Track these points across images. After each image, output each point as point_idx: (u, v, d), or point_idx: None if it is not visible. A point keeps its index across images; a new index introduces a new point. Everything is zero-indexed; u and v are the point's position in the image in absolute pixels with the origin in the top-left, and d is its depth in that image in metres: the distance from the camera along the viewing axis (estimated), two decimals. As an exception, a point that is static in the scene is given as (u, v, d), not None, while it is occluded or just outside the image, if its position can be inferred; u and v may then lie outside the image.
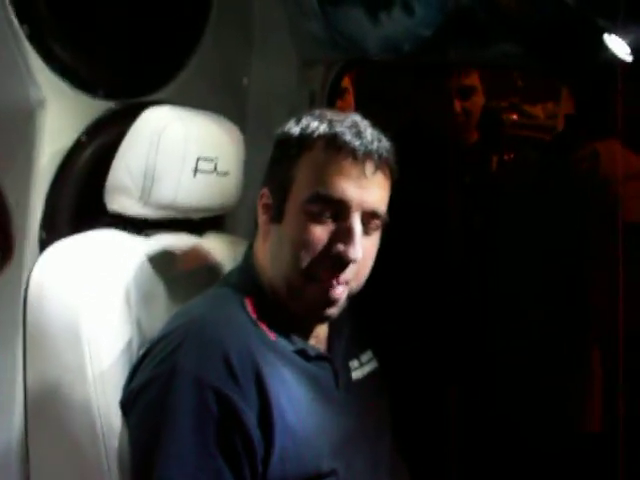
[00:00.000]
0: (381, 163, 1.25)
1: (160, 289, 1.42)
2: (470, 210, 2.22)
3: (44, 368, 1.32)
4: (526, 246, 2.06)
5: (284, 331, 1.26)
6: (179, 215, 1.50)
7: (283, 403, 1.18)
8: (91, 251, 1.39)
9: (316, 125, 1.26)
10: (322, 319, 1.28)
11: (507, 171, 2.61)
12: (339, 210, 1.22)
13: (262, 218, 1.31)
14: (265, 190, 1.31)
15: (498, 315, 2.06)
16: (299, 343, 1.27)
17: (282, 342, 1.25)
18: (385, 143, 1.27)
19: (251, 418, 1.14)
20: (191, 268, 1.50)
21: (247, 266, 1.33)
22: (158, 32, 1.63)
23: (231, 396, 1.14)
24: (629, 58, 1.16)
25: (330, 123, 1.26)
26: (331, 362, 1.31)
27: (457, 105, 2.23)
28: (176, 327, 1.23)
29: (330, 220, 1.22)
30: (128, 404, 1.22)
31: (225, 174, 1.50)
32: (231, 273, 1.38)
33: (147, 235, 1.48)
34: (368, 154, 1.23)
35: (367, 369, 1.41)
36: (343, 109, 2.37)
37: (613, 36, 1.14)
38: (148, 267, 1.41)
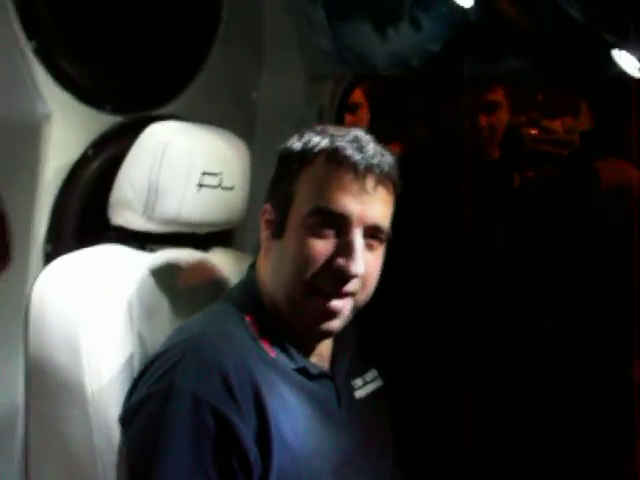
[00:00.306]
0: (383, 178, 1.23)
1: (163, 304, 1.42)
2: (489, 226, 2.20)
3: (44, 381, 1.32)
4: (546, 262, 2.04)
5: (285, 348, 1.25)
6: (183, 230, 1.49)
7: (282, 421, 1.16)
8: (93, 265, 1.38)
9: (317, 140, 1.25)
10: (324, 333, 1.26)
11: (527, 187, 2.58)
12: (340, 225, 1.21)
13: (264, 234, 1.30)
14: (267, 206, 1.30)
15: (514, 332, 2.03)
16: (300, 361, 1.25)
17: (283, 360, 1.24)
18: (388, 158, 1.26)
19: (248, 437, 1.13)
20: (195, 283, 1.49)
21: (249, 282, 1.32)
22: (166, 46, 1.64)
23: (229, 414, 1.12)
24: (639, 74, 1.14)
25: (331, 138, 1.25)
26: (333, 380, 1.29)
27: (482, 120, 2.21)
28: (175, 343, 1.22)
29: (331, 235, 1.21)
30: (126, 419, 1.21)
31: (230, 189, 1.49)
32: (233, 289, 1.36)
33: (151, 250, 1.47)
34: (369, 169, 1.22)
35: (371, 388, 1.39)
36: (355, 124, 2.37)
37: (623, 52, 1.12)
38: (151, 281, 1.40)
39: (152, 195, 1.38)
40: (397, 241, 1.32)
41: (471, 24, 1.37)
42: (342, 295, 1.22)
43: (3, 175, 1.39)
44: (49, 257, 1.45)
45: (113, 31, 1.53)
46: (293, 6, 1.74)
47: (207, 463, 1.11)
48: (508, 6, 1.35)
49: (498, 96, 2.27)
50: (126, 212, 1.42)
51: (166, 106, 1.64)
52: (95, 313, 1.31)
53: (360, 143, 1.24)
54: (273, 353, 1.23)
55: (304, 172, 1.25)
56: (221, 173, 1.46)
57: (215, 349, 1.18)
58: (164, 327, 1.36)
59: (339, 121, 1.85)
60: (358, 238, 1.21)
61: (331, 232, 1.21)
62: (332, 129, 1.29)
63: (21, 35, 1.37)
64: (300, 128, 1.30)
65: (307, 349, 1.29)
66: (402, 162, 2.21)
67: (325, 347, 1.33)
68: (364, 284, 1.24)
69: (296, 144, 1.27)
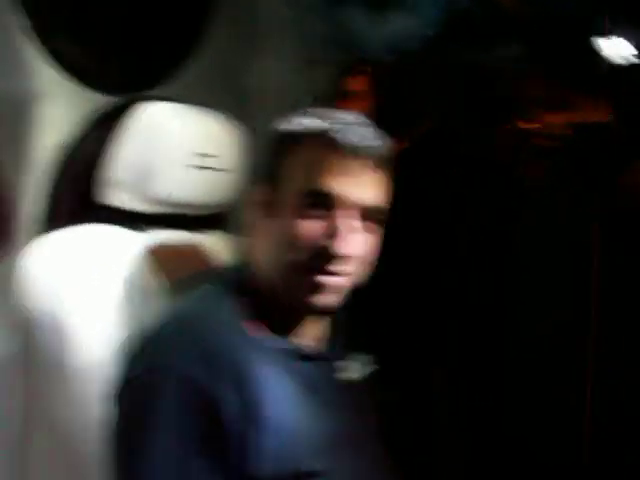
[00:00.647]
0: (375, 160, 1.23)
1: (152, 284, 1.41)
2: (488, 220, 2.20)
3: (29, 358, 1.32)
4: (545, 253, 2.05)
5: (273, 330, 1.25)
6: (176, 211, 1.49)
7: (267, 401, 1.16)
8: (82, 243, 1.38)
9: (309, 122, 1.25)
10: (321, 309, 1.25)
11: (528, 180, 2.59)
12: (331, 206, 1.20)
13: (254, 215, 1.30)
14: (257, 187, 1.30)
15: (510, 321, 2.04)
16: (288, 342, 1.25)
17: (270, 341, 1.24)
18: (380, 140, 1.26)
19: (234, 415, 1.12)
20: (186, 265, 1.49)
21: (239, 264, 1.32)
22: (159, 28, 1.64)
23: (214, 393, 1.12)
24: (623, 61, 1.14)
25: (323, 119, 1.25)
26: (323, 362, 1.30)
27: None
28: (163, 324, 1.22)
29: (323, 216, 1.21)
30: (114, 399, 1.21)
31: (223, 171, 1.49)
32: (223, 271, 1.36)
33: (142, 230, 1.47)
34: (362, 150, 1.22)
35: (362, 371, 1.40)
36: (358, 112, 2.35)
37: (608, 39, 1.12)
38: (141, 261, 1.40)
39: (144, 175, 1.38)
40: (396, 227, 1.33)
41: (465, 10, 1.37)
42: (333, 275, 1.22)
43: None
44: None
45: (106, 11, 1.53)
46: (287, -11, 1.75)
47: (197, 442, 1.11)
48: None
49: (362, 84, 2.25)
50: (117, 192, 1.41)
51: (159, 88, 1.64)
52: (83, 291, 1.31)
53: (352, 125, 1.24)
54: (261, 334, 1.23)
55: (296, 154, 1.24)
56: (214, 155, 1.46)
57: (202, 329, 1.18)
58: (155, 308, 1.36)
59: (334, 105, 1.85)
60: (348, 219, 1.21)
61: (322, 213, 1.21)
62: (323, 111, 1.29)
63: (15, 14, 1.36)
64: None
65: (297, 330, 1.29)
66: (408, 152, 2.22)
67: (316, 329, 1.32)
68: (358, 265, 1.24)
69: (288, 126, 1.27)
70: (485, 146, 2.15)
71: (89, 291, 1.31)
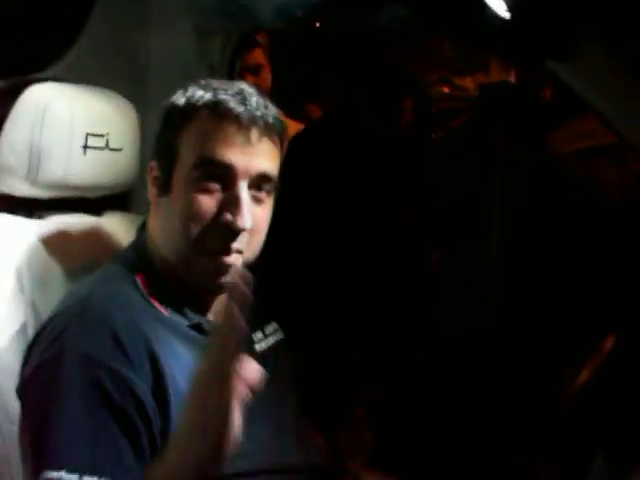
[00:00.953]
0: (267, 129, 1.23)
1: (56, 271, 1.39)
2: (399, 189, 2.22)
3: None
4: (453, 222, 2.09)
5: (178, 306, 1.24)
6: (72, 194, 1.46)
7: (177, 376, 1.16)
8: (-22, 235, 1.34)
9: (201, 94, 1.24)
10: (216, 289, 1.26)
11: (438, 147, 2.62)
12: (225, 178, 1.20)
13: (151, 191, 1.28)
14: (153, 163, 1.29)
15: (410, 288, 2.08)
16: (194, 317, 1.25)
17: (176, 317, 1.24)
18: (272, 109, 1.26)
19: (145, 391, 1.13)
20: (88, 248, 1.46)
21: (139, 242, 1.31)
22: (44, 8, 1.58)
23: (123, 371, 1.11)
24: (507, 15, 1.17)
25: (215, 91, 1.24)
26: None
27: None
28: (64, 308, 1.20)
29: (218, 189, 1.21)
30: (21, 389, 1.19)
31: (118, 150, 1.47)
32: (123, 250, 1.35)
33: (40, 217, 1.44)
34: (253, 120, 1.22)
35: (271, 340, 1.41)
36: (257, 86, 2.34)
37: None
38: (41, 249, 1.37)
39: (34, 159, 1.34)
40: (295, 198, 1.33)
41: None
42: (231, 251, 1.22)
43: None
44: None
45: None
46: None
47: (108, 422, 1.10)
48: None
49: (258, 57, 2.29)
50: (9, 178, 1.37)
51: (48, 69, 1.58)
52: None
53: (243, 95, 1.23)
54: (166, 311, 1.23)
55: (188, 126, 1.24)
56: (107, 134, 1.43)
57: (104, 309, 1.17)
58: (58, 294, 1.34)
59: (231, 78, 1.83)
60: (244, 191, 1.21)
61: (217, 186, 1.21)
62: (216, 83, 1.28)
63: None
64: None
65: (202, 306, 1.29)
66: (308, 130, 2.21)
67: (220, 303, 1.32)
68: (252, 237, 1.24)
69: (180, 99, 1.26)
70: (388, 115, 2.17)
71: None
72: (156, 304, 1.23)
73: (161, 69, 1.79)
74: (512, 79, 2.33)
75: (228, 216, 1.20)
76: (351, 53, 2.24)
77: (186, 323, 1.24)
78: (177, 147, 1.23)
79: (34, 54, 1.59)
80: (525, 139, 2.13)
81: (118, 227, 1.53)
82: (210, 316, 1.30)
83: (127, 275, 1.25)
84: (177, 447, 1.06)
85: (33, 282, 1.34)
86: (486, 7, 1.18)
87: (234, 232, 1.20)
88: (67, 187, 1.42)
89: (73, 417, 1.10)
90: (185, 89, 1.27)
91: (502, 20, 1.20)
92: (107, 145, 1.44)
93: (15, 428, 1.22)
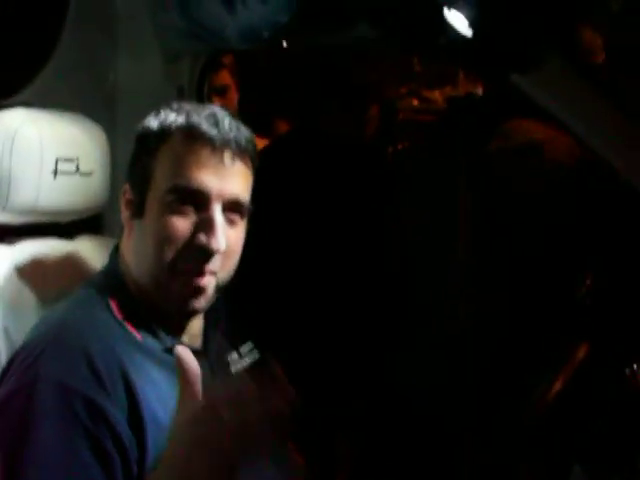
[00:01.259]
0: (240, 152, 1.24)
1: (28, 297, 1.37)
2: (363, 199, 2.23)
3: None
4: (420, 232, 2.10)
5: (152, 330, 1.24)
6: (44, 219, 1.46)
7: (153, 403, 1.16)
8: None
9: (174, 117, 1.25)
10: (190, 312, 1.27)
11: (402, 159, 2.64)
12: (199, 201, 1.21)
13: (124, 214, 1.29)
14: (127, 186, 1.29)
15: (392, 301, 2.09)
16: (168, 341, 1.25)
17: (150, 342, 1.23)
18: (244, 132, 1.27)
19: (120, 420, 1.12)
20: (61, 273, 1.45)
21: (112, 266, 1.31)
22: (12, 33, 1.58)
23: (98, 399, 1.11)
24: (469, 33, 1.19)
25: (187, 114, 1.25)
26: (206, 357, 1.30)
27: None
28: (37, 334, 1.20)
29: (191, 211, 1.21)
30: None
31: (89, 174, 1.47)
32: (96, 274, 1.35)
33: (11, 242, 1.43)
34: (226, 143, 1.22)
35: (247, 361, 1.41)
36: (224, 107, 2.35)
37: (453, 11, 1.16)
38: (13, 275, 1.36)
39: (4, 185, 1.34)
40: (263, 216, 1.34)
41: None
42: (205, 273, 1.23)
43: None
44: None
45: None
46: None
47: (80, 451, 1.09)
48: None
49: (224, 78, 2.31)
50: (-21, 205, 1.37)
51: (17, 95, 1.58)
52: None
53: (216, 118, 1.24)
54: (140, 336, 1.22)
55: (161, 150, 1.24)
56: (77, 159, 1.44)
57: (78, 335, 1.16)
58: (30, 320, 1.32)
59: (200, 99, 1.84)
60: (218, 213, 1.22)
61: (191, 209, 1.21)
62: (189, 106, 1.29)
63: None
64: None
65: (176, 329, 1.29)
66: (274, 145, 2.22)
67: (195, 325, 1.33)
68: (226, 259, 1.25)
69: (152, 122, 1.27)
70: (353, 124, 2.18)
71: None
72: (130, 328, 1.22)
73: (130, 92, 1.79)
74: (479, 92, 2.37)
75: (202, 238, 1.20)
76: (317, 68, 2.27)
77: (161, 347, 1.24)
78: (151, 170, 1.24)
79: (3, 80, 1.59)
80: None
81: (91, 251, 1.52)
82: (184, 339, 1.30)
83: (100, 300, 1.24)
84: None
85: (5, 308, 1.33)
86: (449, 25, 1.21)
87: (208, 254, 1.21)
88: (38, 212, 1.42)
89: (47, 445, 1.09)
90: (158, 112, 1.28)
91: (465, 37, 1.22)
92: (77, 169, 1.44)
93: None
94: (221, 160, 1.22)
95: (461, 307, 1.94)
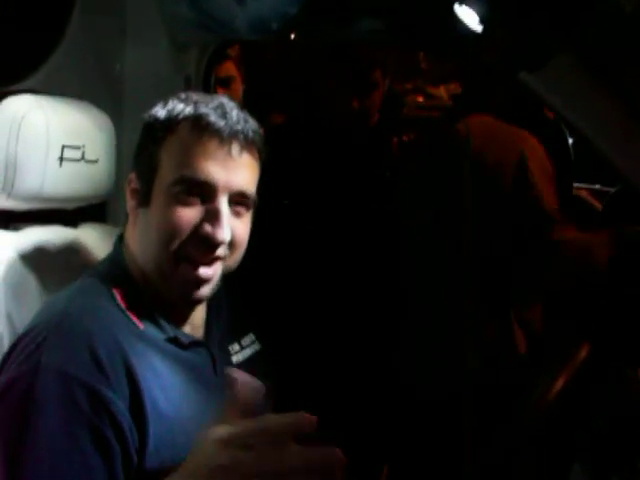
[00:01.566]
0: (247, 144, 1.25)
1: (32, 283, 1.38)
2: (366, 190, 2.23)
3: None
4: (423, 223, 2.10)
5: (155, 320, 1.24)
6: (49, 206, 1.46)
7: (155, 392, 1.16)
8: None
9: (182, 107, 1.25)
10: (194, 301, 1.27)
11: (405, 152, 2.64)
12: (205, 192, 1.21)
13: (130, 203, 1.29)
14: (133, 175, 1.29)
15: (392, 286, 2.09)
16: (171, 331, 1.25)
17: (153, 331, 1.23)
18: (252, 124, 1.27)
19: (122, 408, 1.12)
20: (64, 261, 1.46)
21: (116, 255, 1.31)
22: (21, 20, 1.58)
23: (99, 388, 1.11)
24: (479, 28, 1.19)
25: (195, 105, 1.25)
26: (207, 348, 1.30)
27: (355, 102, 2.18)
28: (40, 322, 1.19)
29: (197, 202, 1.21)
30: None
31: (94, 162, 1.47)
32: (100, 263, 1.35)
33: (16, 229, 1.43)
34: (234, 135, 1.22)
35: (248, 352, 1.41)
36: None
37: (463, 6, 1.16)
38: (17, 261, 1.36)
39: (10, 171, 1.34)
40: (269, 206, 1.34)
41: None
42: (210, 261, 1.23)
43: None
44: None
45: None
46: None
47: (82, 439, 1.09)
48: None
49: (230, 69, 2.29)
50: (-14, 191, 1.37)
51: (24, 81, 1.58)
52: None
53: (224, 109, 1.24)
54: (142, 325, 1.22)
55: (168, 140, 1.24)
56: (83, 146, 1.43)
57: (81, 324, 1.16)
58: (34, 306, 1.33)
59: (206, 90, 1.84)
60: (224, 205, 1.22)
61: (197, 199, 1.22)
62: (196, 96, 1.29)
63: None
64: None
65: (179, 319, 1.29)
66: (277, 131, 2.22)
67: (197, 316, 1.33)
68: (232, 250, 1.25)
69: (160, 112, 1.27)
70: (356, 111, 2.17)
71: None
72: (133, 318, 1.22)
73: (137, 81, 1.80)
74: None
75: (208, 228, 1.20)
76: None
77: (163, 337, 1.24)
78: (158, 160, 1.24)
79: (10, 66, 1.59)
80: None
81: (95, 239, 1.53)
82: (187, 329, 1.30)
83: (104, 288, 1.24)
84: None
85: (9, 294, 1.33)
86: (459, 21, 1.20)
87: (213, 244, 1.21)
88: (43, 199, 1.42)
89: (47, 433, 1.09)
90: (165, 102, 1.28)
91: (474, 33, 1.22)
92: (83, 157, 1.44)
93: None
94: (229, 152, 1.22)
95: (463, 300, 1.93)
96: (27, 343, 1.16)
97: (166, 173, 1.23)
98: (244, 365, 1.37)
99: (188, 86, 1.78)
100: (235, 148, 1.23)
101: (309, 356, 1.95)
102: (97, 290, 1.24)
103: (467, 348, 1.95)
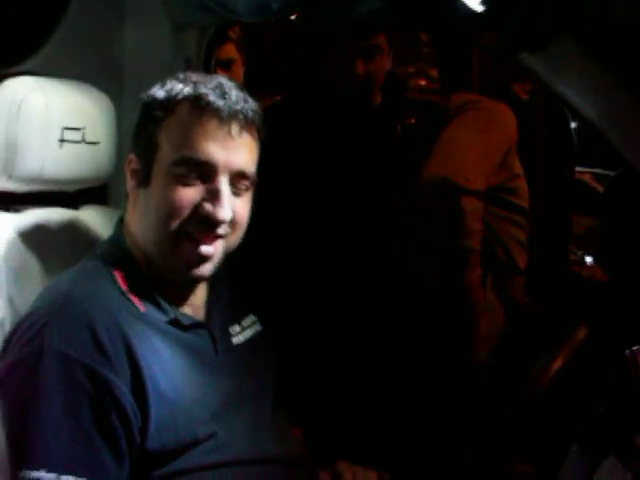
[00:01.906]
0: (247, 124, 1.25)
1: (33, 265, 1.38)
2: (369, 172, 2.22)
3: None
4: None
5: (156, 302, 1.25)
6: (49, 188, 1.45)
7: (156, 373, 1.17)
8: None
9: (180, 87, 1.25)
10: (196, 278, 1.27)
11: (408, 134, 2.63)
12: (206, 172, 1.22)
13: (130, 184, 1.29)
14: (132, 155, 1.29)
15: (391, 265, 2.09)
16: (172, 313, 1.26)
17: (154, 313, 1.24)
18: (251, 104, 1.27)
19: (123, 390, 1.13)
20: (66, 242, 1.46)
21: (117, 236, 1.31)
22: (20, 2, 1.57)
23: (101, 370, 1.12)
24: (480, 8, 1.18)
25: (195, 85, 1.25)
26: (208, 329, 1.31)
27: (360, 66, 2.18)
28: (42, 304, 1.20)
29: (198, 182, 1.22)
30: None
31: (95, 143, 1.47)
32: (101, 245, 1.35)
33: (17, 211, 1.43)
34: (233, 115, 1.22)
35: (249, 333, 1.42)
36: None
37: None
38: (18, 243, 1.36)
39: (10, 153, 1.34)
40: (270, 185, 1.34)
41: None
42: (211, 240, 1.23)
43: None
44: None
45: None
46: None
47: (84, 421, 1.11)
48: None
49: (232, 52, 2.27)
50: (-14, 173, 1.37)
51: (23, 63, 1.57)
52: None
53: (223, 89, 1.24)
54: (143, 307, 1.23)
55: (168, 120, 1.25)
56: (84, 128, 1.43)
57: (82, 306, 1.17)
58: (35, 289, 1.33)
59: (207, 72, 1.83)
60: (224, 184, 1.22)
61: (197, 179, 1.22)
62: (195, 76, 1.29)
63: None
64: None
65: (179, 300, 1.30)
66: (276, 110, 2.21)
67: (198, 297, 1.34)
68: (233, 229, 1.26)
69: (159, 92, 1.27)
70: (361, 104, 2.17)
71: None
72: (134, 300, 1.23)
73: (137, 62, 1.78)
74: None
75: (208, 207, 1.21)
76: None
77: (164, 319, 1.25)
78: (157, 140, 1.24)
79: (9, 48, 1.58)
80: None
81: (95, 221, 1.53)
82: (187, 310, 1.31)
83: (105, 271, 1.25)
84: None
85: (10, 277, 1.33)
86: (460, 1, 1.20)
87: (214, 223, 1.21)
88: (44, 181, 1.42)
89: (51, 416, 1.10)
90: (164, 82, 1.28)
91: (476, 13, 1.21)
92: (83, 138, 1.44)
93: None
94: (228, 132, 1.22)
95: (463, 284, 1.94)
96: (29, 326, 1.17)
97: (166, 153, 1.23)
98: (244, 345, 1.38)
99: (188, 67, 1.77)
100: (235, 128, 1.23)
101: (309, 337, 1.96)
102: (98, 273, 1.25)
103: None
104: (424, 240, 1.98)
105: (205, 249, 1.23)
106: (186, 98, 1.23)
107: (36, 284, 1.36)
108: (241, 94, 1.26)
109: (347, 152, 2.16)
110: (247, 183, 1.26)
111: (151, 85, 1.29)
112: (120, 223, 1.33)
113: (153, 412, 1.15)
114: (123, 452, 1.13)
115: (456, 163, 1.96)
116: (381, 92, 2.27)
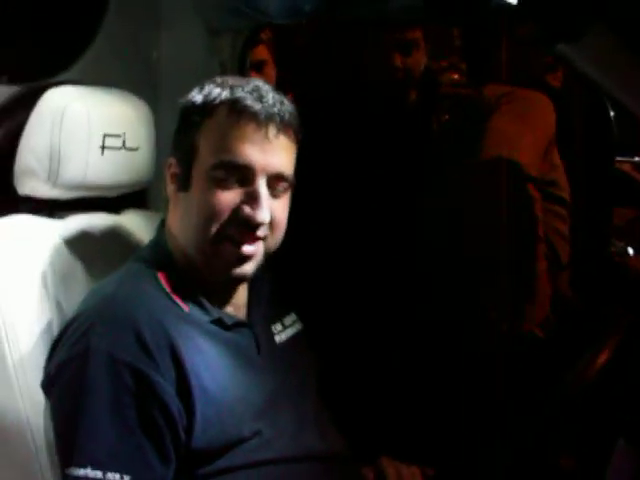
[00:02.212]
0: (284, 126, 1.26)
1: (78, 269, 1.42)
2: (404, 168, 2.22)
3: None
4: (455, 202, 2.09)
5: (199, 302, 1.27)
6: (92, 194, 1.49)
7: (201, 373, 1.19)
8: (3, 237, 1.37)
9: (218, 91, 1.27)
10: (238, 278, 1.29)
11: (446, 130, 2.62)
12: (244, 175, 1.23)
13: (170, 188, 1.31)
14: (172, 159, 1.31)
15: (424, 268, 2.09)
16: (215, 312, 1.28)
17: (197, 313, 1.26)
18: (288, 106, 1.28)
19: (169, 391, 1.15)
20: (109, 246, 1.49)
21: (159, 239, 1.34)
22: (59, 12, 1.61)
23: (146, 370, 1.14)
24: (515, 1, 1.17)
25: (231, 89, 1.26)
26: (251, 328, 1.33)
27: (397, 60, 2.17)
28: (88, 306, 1.23)
29: (236, 185, 1.23)
30: (47, 385, 1.22)
31: (135, 149, 1.50)
32: (144, 248, 1.38)
33: (61, 217, 1.46)
34: (270, 117, 1.24)
35: (291, 331, 1.43)
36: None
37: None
38: (63, 248, 1.40)
39: (55, 161, 1.37)
40: (308, 186, 1.35)
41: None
42: (252, 240, 1.25)
43: None
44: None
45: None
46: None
47: (129, 420, 1.13)
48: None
49: (264, 54, 2.26)
50: (31, 181, 1.40)
51: (64, 73, 1.61)
52: (9, 285, 1.30)
53: (260, 92, 1.26)
54: (187, 307, 1.26)
55: (206, 124, 1.26)
56: (123, 134, 1.46)
57: (128, 308, 1.20)
58: (80, 292, 1.37)
59: (241, 74, 1.85)
60: (262, 187, 1.24)
61: (236, 182, 1.24)
62: (232, 80, 1.31)
63: None
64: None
65: (222, 300, 1.32)
66: (311, 108, 2.22)
67: (240, 297, 1.35)
68: (272, 231, 1.27)
69: (197, 97, 1.29)
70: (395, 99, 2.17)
71: (15, 284, 1.30)
72: (178, 301, 1.25)
73: (173, 67, 1.81)
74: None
75: (247, 210, 1.22)
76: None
77: (207, 319, 1.27)
78: (196, 144, 1.26)
79: (50, 58, 1.62)
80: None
81: (137, 225, 1.56)
82: (230, 310, 1.33)
83: (149, 273, 1.27)
84: None
85: (57, 281, 1.36)
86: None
87: (253, 225, 1.23)
88: (86, 187, 1.45)
89: (97, 415, 1.13)
90: (202, 87, 1.30)
91: (510, 5, 1.21)
92: (124, 145, 1.47)
93: (42, 421, 1.26)
94: (266, 135, 1.23)
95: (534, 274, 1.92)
96: (76, 328, 1.20)
97: (205, 157, 1.25)
98: (286, 344, 1.40)
99: (223, 71, 1.79)
100: (272, 131, 1.24)
101: (350, 335, 1.96)
102: (142, 275, 1.27)
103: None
104: (488, 229, 1.95)
105: (246, 249, 1.25)
106: (223, 102, 1.25)
107: (82, 287, 1.39)
108: (277, 97, 1.28)
109: (385, 151, 2.16)
110: (285, 185, 1.28)
111: (187, 90, 1.31)
112: (162, 226, 1.35)
113: (199, 411, 1.17)
114: (168, 451, 1.15)
115: (511, 152, 1.95)
116: (415, 88, 2.26)
